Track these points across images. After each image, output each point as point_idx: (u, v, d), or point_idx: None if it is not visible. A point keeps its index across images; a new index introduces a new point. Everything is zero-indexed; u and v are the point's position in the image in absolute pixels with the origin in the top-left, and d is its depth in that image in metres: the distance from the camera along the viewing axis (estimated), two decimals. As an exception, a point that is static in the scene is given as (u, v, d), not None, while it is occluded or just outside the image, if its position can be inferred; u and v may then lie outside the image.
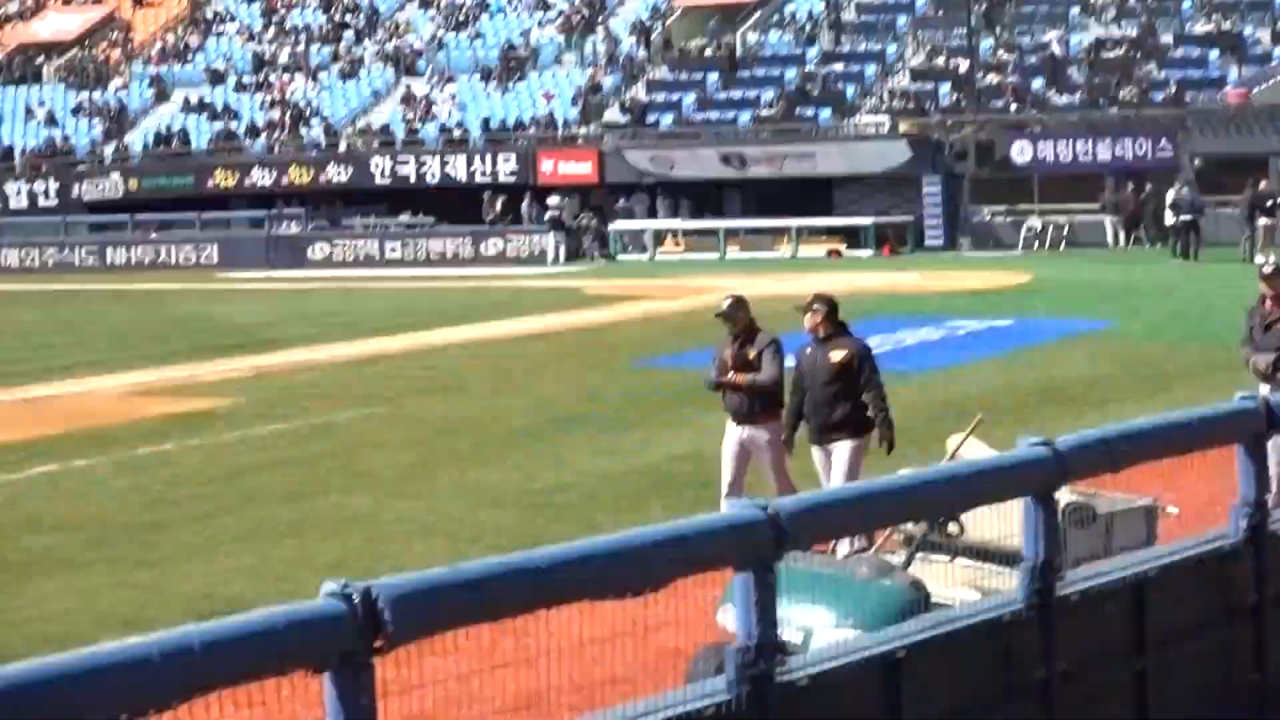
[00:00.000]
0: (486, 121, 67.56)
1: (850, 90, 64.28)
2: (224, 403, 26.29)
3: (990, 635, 8.36)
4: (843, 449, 14.92)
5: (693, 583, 7.76)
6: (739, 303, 15.49)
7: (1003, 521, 9.17)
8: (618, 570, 6.98)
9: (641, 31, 70.05)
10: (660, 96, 66.83)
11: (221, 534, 16.75)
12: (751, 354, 15.20)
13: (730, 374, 15.21)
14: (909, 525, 10.57)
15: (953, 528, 10.54)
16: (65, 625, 13.42)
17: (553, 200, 61.82)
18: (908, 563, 10.56)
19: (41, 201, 70.87)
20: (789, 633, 8.70)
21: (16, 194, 71.40)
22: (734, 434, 15.39)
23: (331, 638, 5.89)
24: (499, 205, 64.11)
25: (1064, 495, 10.23)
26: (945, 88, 62.72)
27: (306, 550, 15.96)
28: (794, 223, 58.95)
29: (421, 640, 6.20)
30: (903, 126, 60.99)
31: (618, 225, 62.56)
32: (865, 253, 57.53)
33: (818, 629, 9.42)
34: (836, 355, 14.77)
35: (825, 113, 62.97)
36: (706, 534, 7.35)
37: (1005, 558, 9.46)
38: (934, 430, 16.30)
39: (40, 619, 13.71)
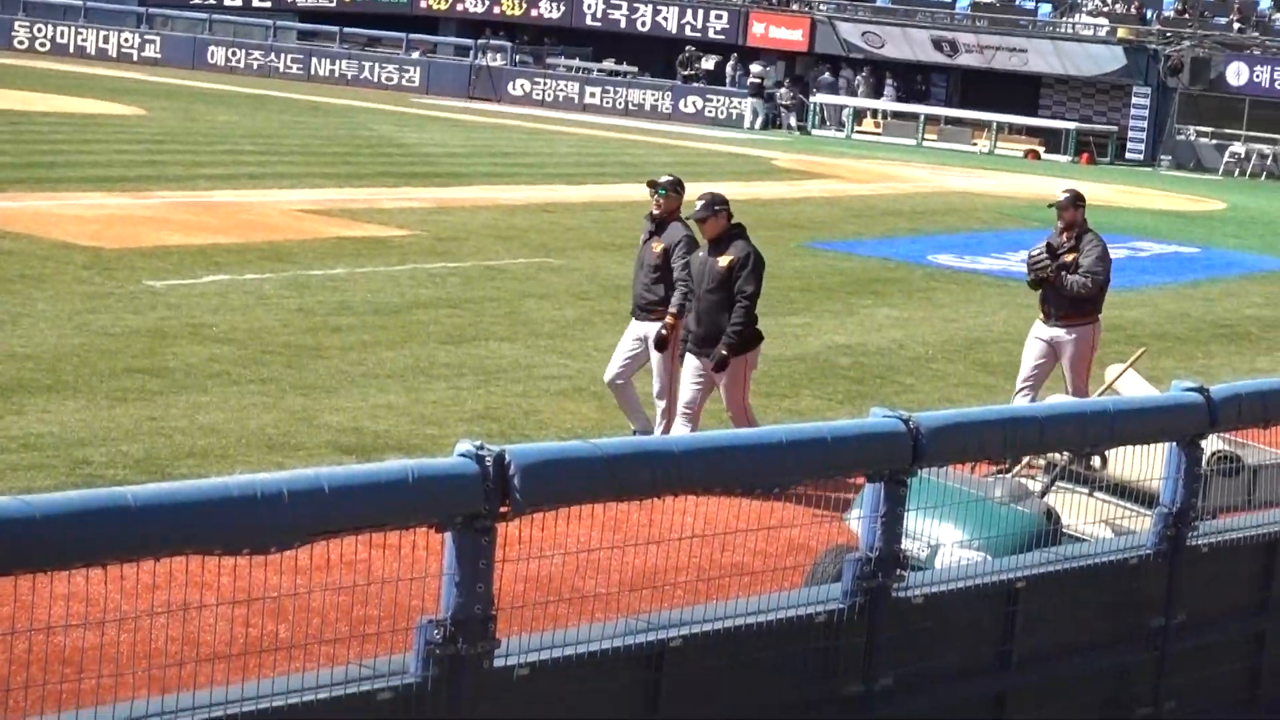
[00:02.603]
0: (705, -29, 67.01)
1: (1075, -14, 63.15)
2: (400, 233, 26.34)
3: (1113, 577, 8.31)
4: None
5: (829, 481, 7.75)
6: (676, 184, 14.43)
7: (1146, 461, 9.08)
8: (749, 466, 6.96)
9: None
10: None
11: (378, 368, 16.75)
12: (657, 247, 14.25)
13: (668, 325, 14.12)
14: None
15: (1095, 461, 10.45)
16: (212, 440, 13.58)
17: (755, 67, 61.42)
18: (1045, 491, 10.51)
19: (255, 1, 71.25)
20: (915, 546, 8.70)
21: (232, -9, 71.86)
22: (633, 331, 14.50)
23: (458, 498, 5.88)
24: (702, 62, 63.81)
25: (1213, 441, 10.13)
26: (1170, -3, 61.46)
27: (458, 396, 15.93)
28: (996, 117, 58.21)
29: (550, 509, 6.19)
30: (1120, 31, 59.84)
31: (818, 99, 62.11)
32: (1063, 158, 56.71)
33: (945, 545, 9.39)
34: (724, 261, 13.72)
35: (1045, 8, 61.92)
36: (842, 440, 7.30)
37: (1144, 498, 9.39)
38: (1100, 355, 16.17)
39: (190, 430, 13.81)
